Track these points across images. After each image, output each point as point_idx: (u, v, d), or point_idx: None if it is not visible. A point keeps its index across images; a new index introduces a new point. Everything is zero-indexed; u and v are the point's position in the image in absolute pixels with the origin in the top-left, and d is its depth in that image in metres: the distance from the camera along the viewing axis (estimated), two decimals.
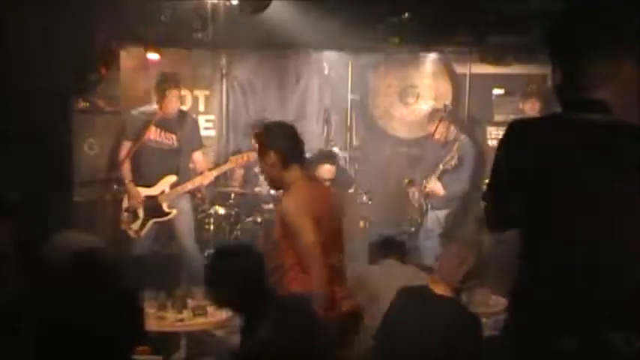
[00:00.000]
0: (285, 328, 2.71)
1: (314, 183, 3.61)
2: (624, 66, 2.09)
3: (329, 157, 6.28)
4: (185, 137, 5.95)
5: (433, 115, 6.72)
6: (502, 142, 2.20)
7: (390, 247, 4.39)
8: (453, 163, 6.18)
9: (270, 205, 6.44)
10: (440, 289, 3.21)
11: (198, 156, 6.04)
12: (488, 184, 2.28)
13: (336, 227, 3.46)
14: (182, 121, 5.98)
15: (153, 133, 5.85)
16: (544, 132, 2.15)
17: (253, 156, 5.95)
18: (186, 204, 6.00)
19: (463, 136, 6.52)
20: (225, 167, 6.04)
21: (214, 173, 5.91)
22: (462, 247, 3.26)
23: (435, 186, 6.31)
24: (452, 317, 3.15)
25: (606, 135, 2.07)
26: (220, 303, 2.99)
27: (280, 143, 3.37)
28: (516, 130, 2.18)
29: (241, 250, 3.05)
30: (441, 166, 6.25)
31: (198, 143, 6.10)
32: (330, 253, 3.29)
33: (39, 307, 1.81)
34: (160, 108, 5.79)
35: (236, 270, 2.86)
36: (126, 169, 5.83)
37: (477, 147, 6.67)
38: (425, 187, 6.40)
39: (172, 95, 5.76)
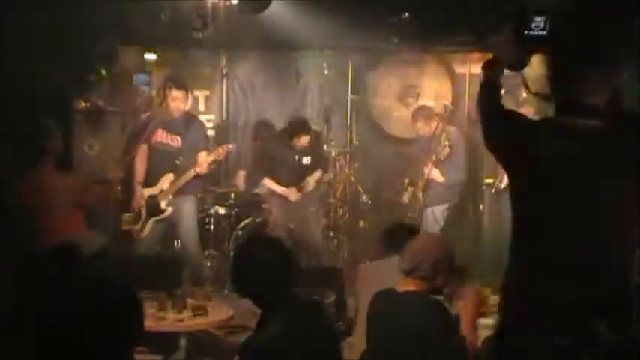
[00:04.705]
0: (296, 328, 2.71)
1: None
2: (622, 72, 2.10)
3: (303, 127, 6.30)
4: (190, 139, 5.92)
5: (418, 113, 6.69)
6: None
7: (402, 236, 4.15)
8: (445, 152, 6.19)
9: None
10: (411, 286, 3.17)
11: (201, 155, 5.99)
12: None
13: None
14: (188, 124, 5.94)
15: (159, 136, 5.86)
16: (539, 131, 2.17)
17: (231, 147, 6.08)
18: (190, 206, 5.98)
19: (450, 128, 6.50)
20: (212, 155, 5.94)
21: (209, 159, 5.84)
22: (428, 241, 3.25)
23: (434, 173, 6.31)
24: (416, 307, 3.15)
25: (600, 139, 2.07)
26: (242, 292, 2.95)
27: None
28: (517, 114, 2.27)
29: (271, 243, 3.03)
30: (434, 157, 6.26)
31: (204, 144, 6.07)
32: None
33: (39, 307, 1.81)
34: (162, 108, 5.78)
35: (263, 262, 2.84)
36: (139, 171, 5.86)
37: (466, 137, 6.66)
38: (425, 178, 6.39)
39: (174, 96, 5.74)
